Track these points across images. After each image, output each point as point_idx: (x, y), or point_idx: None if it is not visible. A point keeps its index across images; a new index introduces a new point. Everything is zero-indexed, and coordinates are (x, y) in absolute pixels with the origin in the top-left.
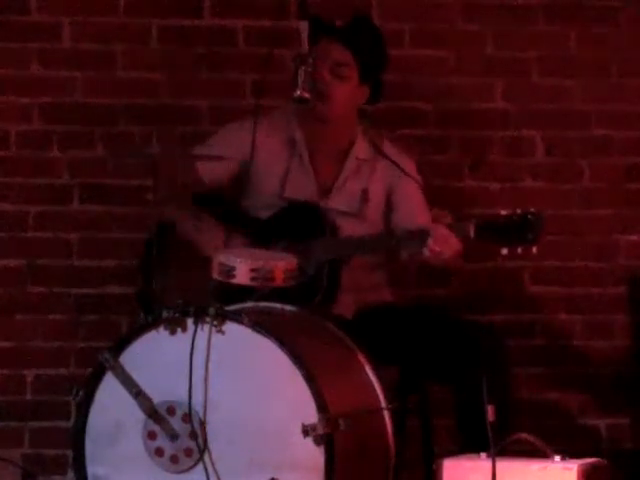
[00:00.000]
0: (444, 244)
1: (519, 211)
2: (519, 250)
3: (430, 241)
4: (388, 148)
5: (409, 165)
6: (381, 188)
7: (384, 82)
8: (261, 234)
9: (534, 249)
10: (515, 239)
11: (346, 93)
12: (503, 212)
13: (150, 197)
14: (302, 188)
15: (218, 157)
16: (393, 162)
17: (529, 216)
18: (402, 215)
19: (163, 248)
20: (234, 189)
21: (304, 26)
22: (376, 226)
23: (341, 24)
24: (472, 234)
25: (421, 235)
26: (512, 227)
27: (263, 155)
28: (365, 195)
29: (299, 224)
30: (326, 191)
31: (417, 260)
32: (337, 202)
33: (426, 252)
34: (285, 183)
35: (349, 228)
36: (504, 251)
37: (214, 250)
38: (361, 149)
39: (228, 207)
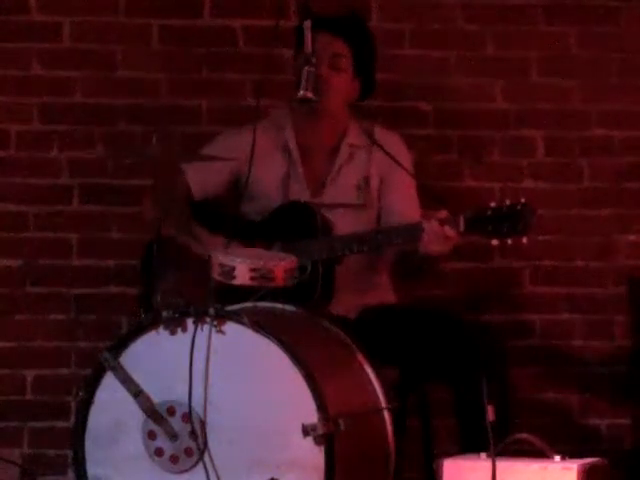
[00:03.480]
0: (436, 240)
1: (508, 202)
2: (509, 241)
3: (424, 236)
4: (381, 135)
5: (403, 154)
6: (377, 176)
7: (376, 79)
8: (256, 237)
9: (524, 239)
10: (505, 230)
11: (342, 84)
12: (492, 204)
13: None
14: (299, 190)
15: (215, 157)
16: (386, 152)
17: (518, 207)
18: (390, 205)
19: (164, 249)
20: (231, 197)
21: (307, 26)
22: (375, 215)
23: (337, 17)
24: (462, 227)
25: (413, 230)
26: (502, 218)
27: (261, 161)
28: (367, 182)
29: (292, 224)
30: (321, 187)
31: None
32: (332, 196)
33: (420, 247)
34: (285, 187)
35: (347, 220)
36: (494, 242)
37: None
38: (354, 136)
39: (224, 211)
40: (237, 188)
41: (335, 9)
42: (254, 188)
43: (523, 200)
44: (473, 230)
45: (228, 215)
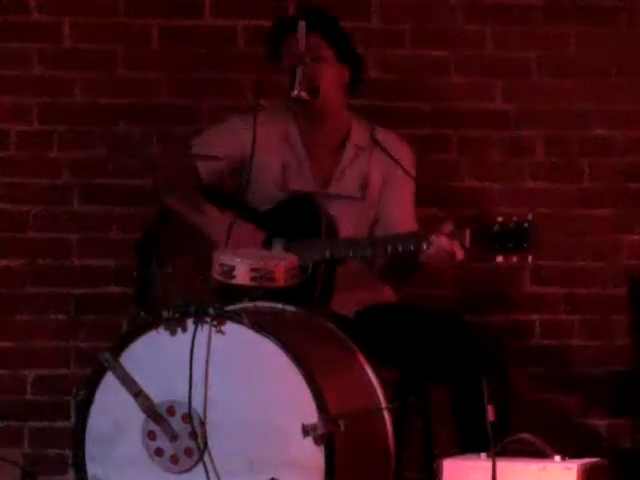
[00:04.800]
0: (444, 255)
1: (515, 219)
2: (514, 259)
3: (431, 249)
4: (382, 135)
5: (404, 154)
6: (379, 176)
7: (363, 60)
8: (260, 226)
9: (530, 258)
10: (511, 247)
11: (329, 74)
12: (499, 219)
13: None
14: (302, 180)
15: (215, 157)
16: (388, 154)
17: (525, 224)
18: (387, 208)
19: (162, 245)
20: (235, 184)
21: (302, 26)
22: (376, 211)
23: (296, 14)
24: (467, 242)
25: (420, 242)
26: (508, 235)
27: (262, 149)
28: (366, 181)
29: (296, 220)
30: (326, 182)
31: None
32: (337, 189)
33: (422, 257)
34: (286, 176)
35: (351, 212)
36: (499, 259)
37: (217, 237)
38: (358, 136)
39: (229, 199)
40: (240, 177)
41: (333, 9)
42: (255, 177)
43: (530, 217)
44: (479, 245)
45: (234, 199)
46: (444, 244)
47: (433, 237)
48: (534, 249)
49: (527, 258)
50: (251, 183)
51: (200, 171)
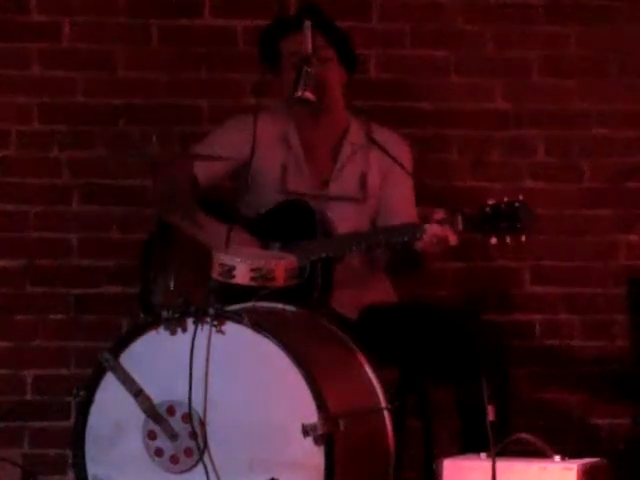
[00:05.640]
0: (436, 242)
1: (506, 200)
2: (508, 239)
3: (424, 237)
4: (379, 134)
5: (401, 151)
6: (377, 174)
7: (359, 60)
8: (256, 232)
9: (523, 238)
10: (503, 228)
11: (335, 74)
12: (490, 201)
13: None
14: (301, 182)
15: (217, 157)
16: (385, 152)
17: (516, 204)
18: (389, 204)
19: (163, 247)
20: (234, 187)
21: (307, 25)
22: (376, 210)
23: (300, 14)
24: (460, 226)
25: (414, 231)
26: (500, 216)
27: (261, 150)
28: (364, 179)
29: (293, 224)
30: (325, 182)
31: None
32: (336, 190)
33: (418, 247)
34: (285, 177)
35: (351, 213)
36: (493, 240)
37: (216, 248)
38: (355, 134)
39: (225, 207)
40: (239, 178)
41: (334, 8)
42: (255, 178)
43: (521, 197)
44: (472, 228)
45: (229, 208)
46: (436, 231)
47: (425, 225)
48: (527, 229)
49: (520, 238)
50: (251, 185)
51: (199, 176)
